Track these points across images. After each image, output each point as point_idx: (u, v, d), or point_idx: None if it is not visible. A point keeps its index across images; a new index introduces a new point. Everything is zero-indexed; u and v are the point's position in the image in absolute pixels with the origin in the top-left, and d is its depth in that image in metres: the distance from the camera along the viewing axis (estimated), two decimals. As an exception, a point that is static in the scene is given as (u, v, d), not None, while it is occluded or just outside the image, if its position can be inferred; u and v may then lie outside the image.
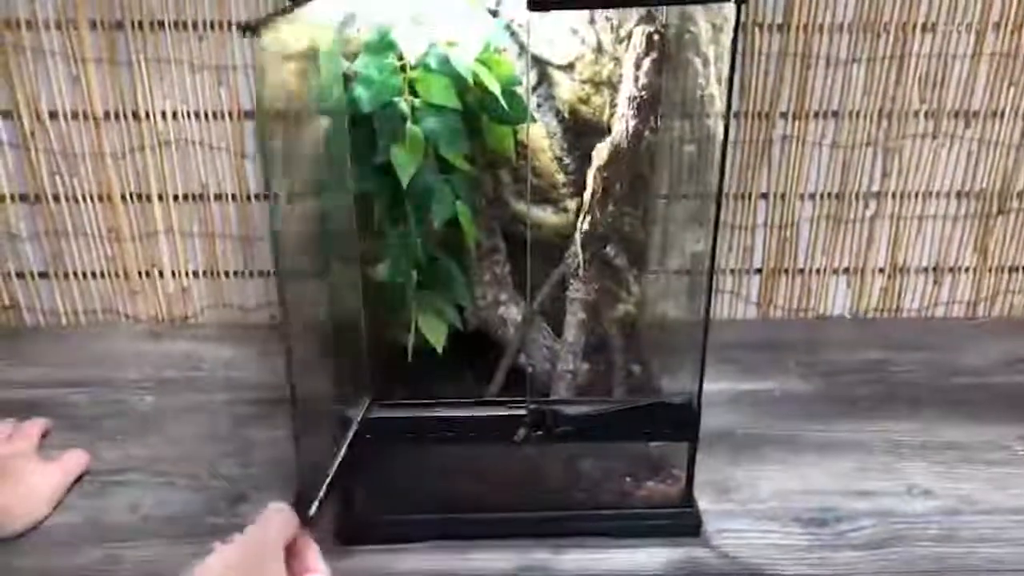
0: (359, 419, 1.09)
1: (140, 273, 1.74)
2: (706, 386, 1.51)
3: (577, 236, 1.31)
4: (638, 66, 1.23)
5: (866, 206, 1.66)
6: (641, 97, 1.24)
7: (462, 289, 1.27)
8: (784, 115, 1.60)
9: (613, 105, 1.31)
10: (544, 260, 1.41)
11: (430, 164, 1.19)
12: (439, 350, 1.28)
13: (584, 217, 1.29)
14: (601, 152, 1.26)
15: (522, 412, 1.12)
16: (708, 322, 1.13)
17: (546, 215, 1.38)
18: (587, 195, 1.28)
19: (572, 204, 1.37)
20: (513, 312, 1.37)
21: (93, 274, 1.72)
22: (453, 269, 1.25)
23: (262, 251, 1.72)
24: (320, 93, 1.06)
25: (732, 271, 1.73)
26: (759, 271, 1.73)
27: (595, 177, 1.27)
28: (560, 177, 1.36)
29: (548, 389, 1.35)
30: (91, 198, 1.66)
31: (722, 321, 1.76)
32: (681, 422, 1.14)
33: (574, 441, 1.12)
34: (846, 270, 1.71)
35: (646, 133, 1.29)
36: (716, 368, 1.57)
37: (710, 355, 1.58)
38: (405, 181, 1.15)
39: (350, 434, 1.06)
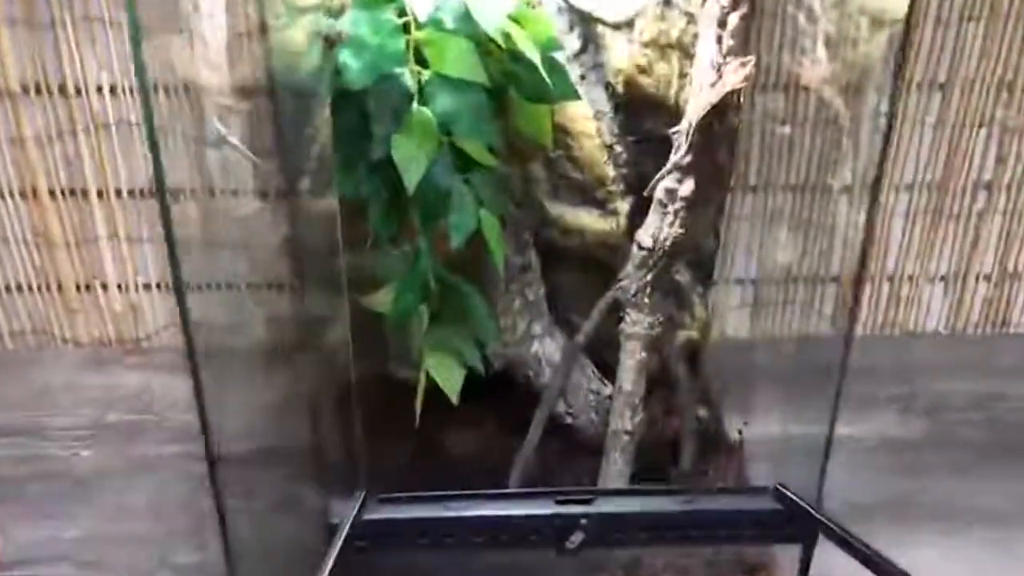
0: (350, 520, 0.78)
1: (78, 287, 1.41)
2: (773, 428, 1.22)
3: (635, 249, 0.99)
4: (722, 23, 0.91)
5: (973, 199, 1.34)
6: (724, 63, 0.91)
7: (485, 321, 0.96)
8: (879, 88, 1.28)
9: (684, 75, 0.99)
10: (589, 280, 1.10)
11: (444, 159, 0.87)
12: (454, 400, 0.97)
13: (656, 224, 0.97)
14: (682, 133, 0.94)
15: (576, 509, 0.81)
16: (845, 368, 0.82)
17: (591, 219, 1.06)
18: (659, 193, 0.96)
19: (625, 205, 1.05)
20: (550, 348, 1.06)
21: (19, 287, 1.39)
22: (473, 296, 0.93)
23: (232, 257, 1.39)
24: (288, 62, 0.74)
25: (804, 279, 1.42)
26: (836, 279, 1.42)
27: (674, 168, 0.95)
28: (609, 170, 1.04)
29: (597, 446, 1.04)
30: (11, 194, 1.33)
31: (790, 340, 1.45)
32: (789, 516, 0.83)
33: (646, 545, 0.81)
34: (943, 277, 1.39)
35: (730, 112, 0.97)
36: (784, 404, 1.27)
37: (773, 386, 1.28)
38: (412, 183, 0.83)
39: (338, 542, 0.75)
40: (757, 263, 1.39)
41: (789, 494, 0.81)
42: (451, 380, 0.98)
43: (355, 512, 0.78)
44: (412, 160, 0.83)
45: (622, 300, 1.00)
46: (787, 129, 1.27)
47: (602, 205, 1.06)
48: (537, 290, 1.04)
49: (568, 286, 1.12)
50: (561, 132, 1.02)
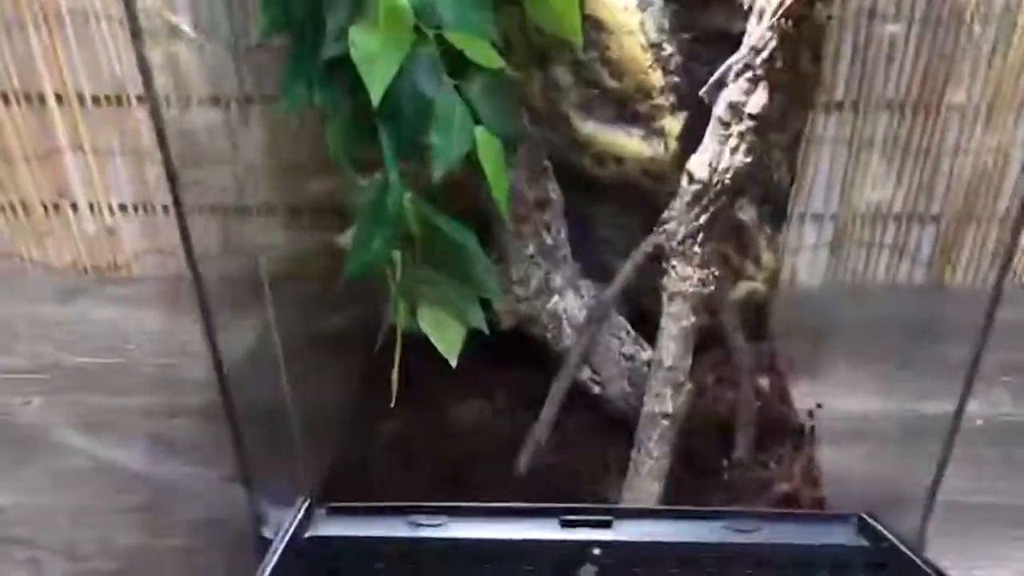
0: (285, 538, 0.59)
1: (45, 206, 1.23)
2: (856, 404, 0.99)
3: (686, 182, 0.76)
4: None
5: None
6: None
7: (483, 274, 0.74)
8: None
9: (760, -52, 0.73)
10: (625, 219, 0.88)
11: (425, 60, 0.64)
12: (452, 363, 0.77)
13: (714, 149, 0.74)
14: (756, 28, 0.70)
15: (588, 534, 0.60)
16: (988, 333, 0.61)
17: (631, 141, 0.83)
18: (719, 108, 0.73)
19: (675, 123, 0.82)
20: (573, 304, 0.84)
21: (-22, 206, 1.22)
22: (466, 242, 0.72)
23: (217, 174, 1.19)
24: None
25: (896, 217, 1.16)
26: (936, 218, 1.16)
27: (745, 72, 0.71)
28: (656, 78, 0.81)
29: (630, 424, 0.83)
30: (-43, 98, 1.14)
31: (875, 288, 1.20)
32: (878, 559, 0.61)
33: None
34: (1074, 218, 1.12)
35: (818, 4, 0.72)
36: (866, 372, 1.04)
37: (851, 349, 1.05)
38: (376, 92, 0.61)
39: (267, 567, 0.56)
40: (840, 196, 1.14)
41: (879, 528, 0.59)
42: (448, 340, 0.78)
43: (293, 526, 0.60)
44: (377, 61, 0.61)
45: (666, 248, 0.78)
46: (892, 29, 1.00)
47: (646, 123, 0.83)
48: (558, 232, 0.82)
49: (598, 227, 0.90)
50: (593, 26, 0.78)
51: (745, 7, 0.75)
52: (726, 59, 0.82)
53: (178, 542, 0.84)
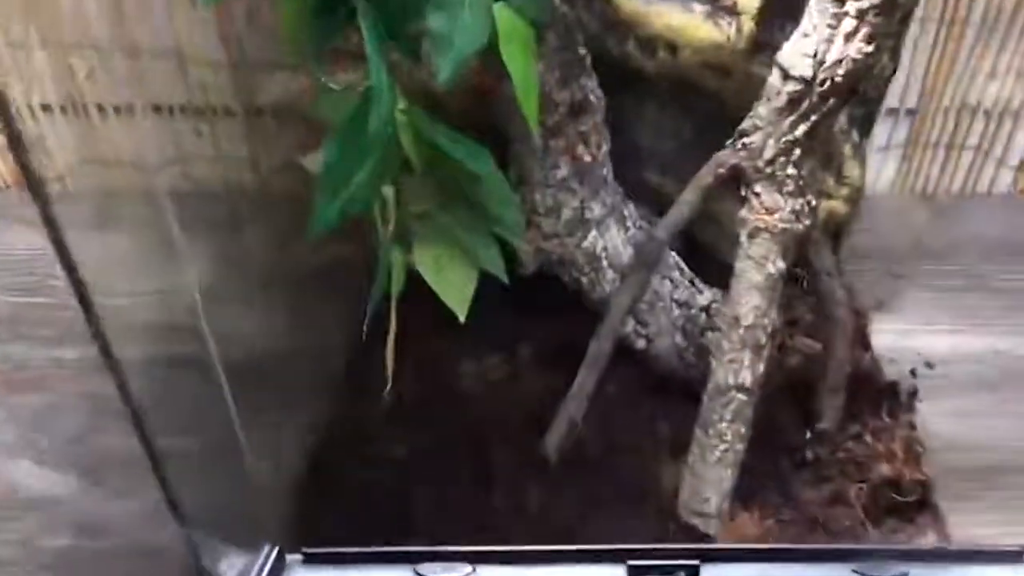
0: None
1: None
2: (933, 339, 0.82)
3: (776, 79, 0.56)
4: None
5: None
6: None
7: (506, 206, 0.55)
8: None
9: None
10: (685, 128, 0.68)
11: None
12: (461, 317, 0.58)
13: (819, 34, 0.54)
14: None
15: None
16: None
17: (692, 22, 0.63)
18: None
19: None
20: (615, 240, 0.65)
21: None
22: (485, 166, 0.52)
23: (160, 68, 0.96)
24: None
25: (986, 112, 0.96)
26: (1036, 111, 0.96)
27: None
28: None
29: (684, 387, 0.66)
30: None
31: (951, 198, 1.01)
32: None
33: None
34: None
35: None
36: (950, 303, 0.86)
37: (930, 276, 0.88)
38: None
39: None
40: (921, 87, 0.94)
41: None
42: (456, 289, 0.59)
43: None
44: None
45: (747, 169, 0.58)
46: None
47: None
48: (598, 147, 0.61)
49: (649, 138, 0.70)
50: None
51: None
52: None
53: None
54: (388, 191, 0.50)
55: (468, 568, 0.44)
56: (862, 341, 0.76)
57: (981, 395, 0.78)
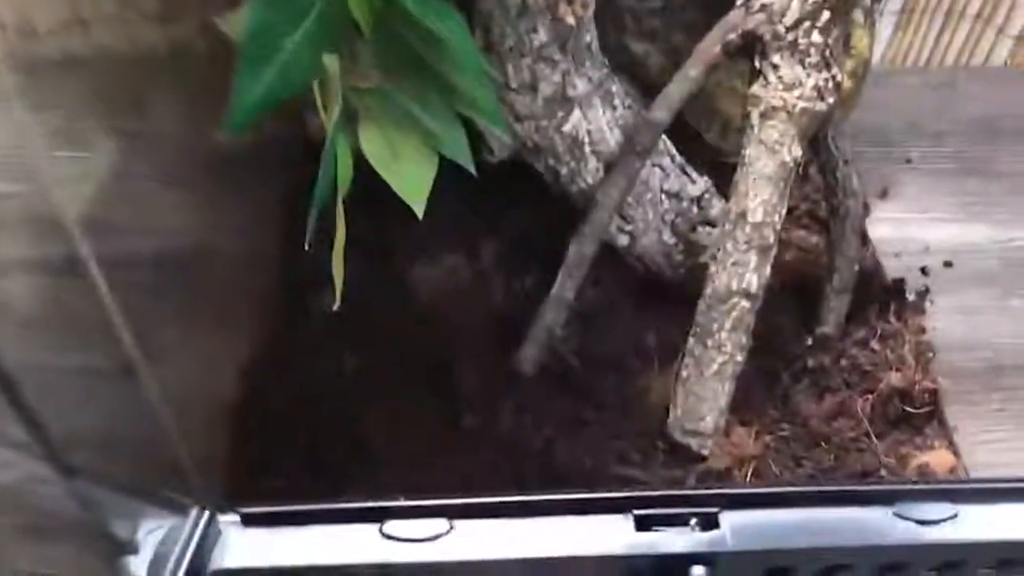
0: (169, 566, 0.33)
1: None
2: (931, 230, 0.75)
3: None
4: None
5: None
6: None
7: (478, 81, 0.45)
8: None
9: None
10: None
11: None
12: (418, 212, 0.49)
13: None
14: None
15: (687, 541, 0.36)
16: None
17: None
18: None
19: None
20: (600, 122, 0.55)
21: None
22: (453, 28, 0.41)
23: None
24: None
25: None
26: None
27: None
28: None
29: (674, 290, 0.58)
30: None
31: (945, 71, 0.93)
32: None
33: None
34: None
35: None
36: (939, 184, 0.80)
37: (925, 157, 0.81)
38: None
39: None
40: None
41: None
42: (413, 179, 0.50)
43: (189, 553, 0.34)
44: None
45: (764, 35, 0.48)
46: None
47: None
48: (583, 6, 0.51)
49: (640, 2, 0.59)
50: None
51: None
52: None
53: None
54: (330, 61, 0.39)
55: (445, 525, 0.36)
56: (864, 236, 0.69)
57: (982, 290, 0.72)
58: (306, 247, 0.41)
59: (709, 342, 0.53)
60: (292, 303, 0.59)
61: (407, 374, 0.56)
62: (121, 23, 0.84)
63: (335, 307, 0.45)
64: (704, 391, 0.54)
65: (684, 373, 0.54)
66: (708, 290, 0.53)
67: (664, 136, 0.60)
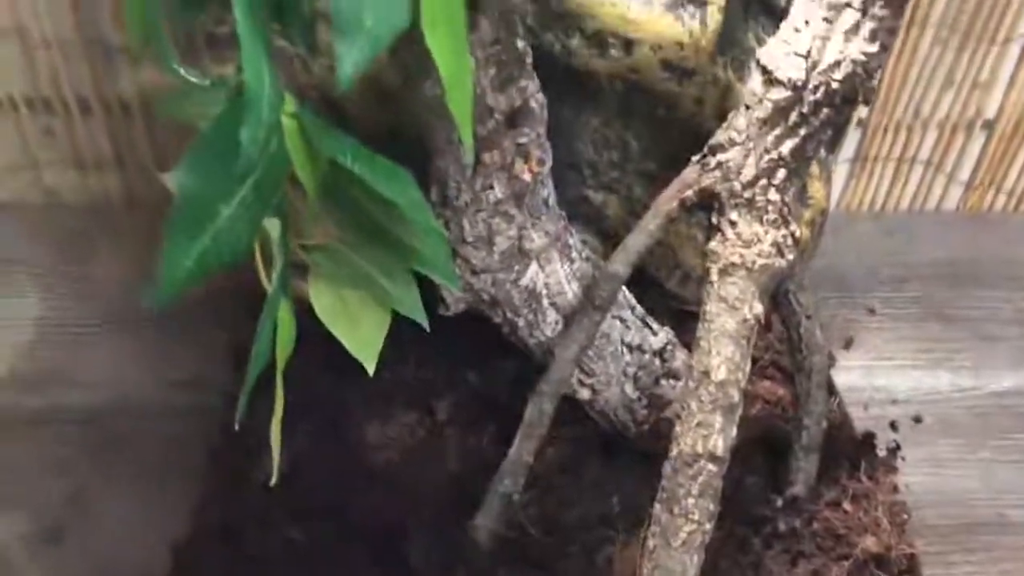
0: None
1: None
2: (896, 377, 0.74)
3: (755, 83, 0.46)
4: None
5: None
6: None
7: (432, 240, 0.43)
8: None
9: None
10: (641, 140, 0.58)
11: None
12: (370, 369, 0.46)
13: (812, 29, 0.44)
14: None
15: None
16: None
17: (648, 14, 0.53)
18: None
19: None
20: (559, 275, 0.54)
21: None
22: (406, 191, 0.40)
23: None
24: None
25: (939, 123, 0.89)
26: (989, 124, 0.89)
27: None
28: None
29: (637, 448, 0.55)
30: None
31: (901, 216, 0.94)
32: None
33: None
34: None
35: None
36: (900, 329, 0.79)
37: (882, 302, 0.81)
38: None
39: None
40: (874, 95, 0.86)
41: None
42: (364, 337, 0.48)
43: None
44: None
45: (720, 192, 0.48)
46: None
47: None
48: (540, 163, 0.50)
49: (592, 150, 0.59)
50: None
51: None
52: None
53: None
54: (272, 223, 0.37)
55: None
56: (830, 387, 0.67)
57: (951, 441, 0.70)
58: (235, 427, 0.38)
59: (676, 509, 0.50)
60: (234, 465, 0.56)
61: (356, 545, 0.52)
62: (74, 167, 0.83)
63: (272, 482, 0.42)
64: (672, 563, 0.50)
65: (651, 543, 0.51)
66: (673, 452, 0.50)
67: (624, 287, 0.58)
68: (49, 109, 0.79)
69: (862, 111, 0.87)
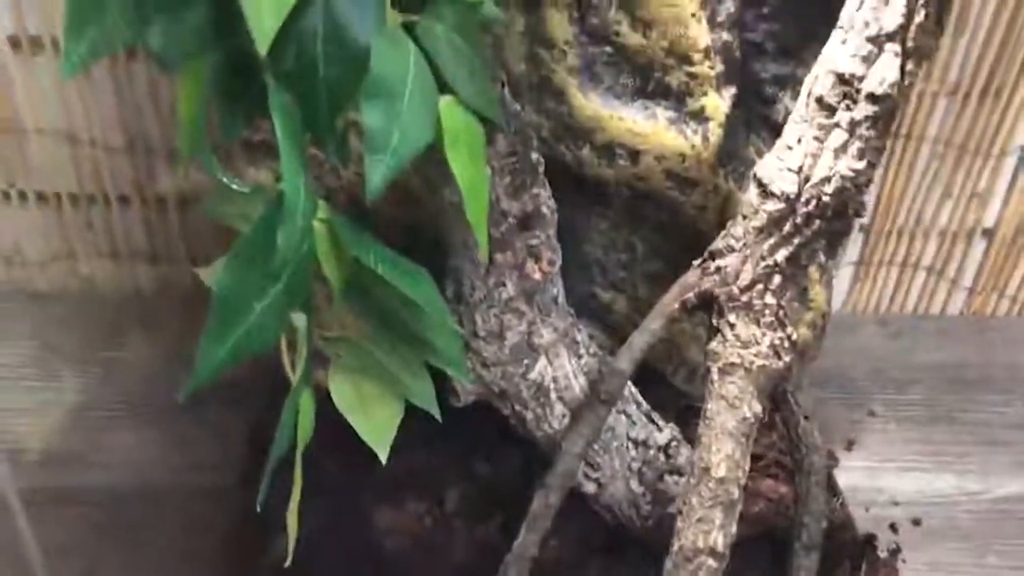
0: None
1: None
2: (900, 480, 0.75)
3: (753, 194, 0.49)
4: None
5: None
6: None
7: (446, 337, 0.46)
8: None
9: None
10: (648, 245, 0.61)
11: None
12: (383, 457, 0.48)
13: (805, 146, 0.47)
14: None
15: None
16: None
17: (654, 127, 0.56)
18: (818, 81, 0.46)
19: (721, 103, 0.56)
20: (567, 370, 0.56)
21: None
22: (424, 291, 0.43)
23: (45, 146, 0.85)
24: None
25: (941, 233, 0.92)
26: (989, 232, 0.92)
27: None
28: (700, 32, 0.54)
29: (640, 541, 0.57)
30: None
31: (905, 319, 0.96)
32: None
33: None
34: None
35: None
36: (906, 432, 0.80)
37: (885, 405, 0.82)
38: (264, 29, 0.32)
39: None
40: (875, 203, 0.90)
41: None
42: (378, 426, 0.50)
43: None
44: None
45: (719, 296, 0.51)
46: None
47: (678, 101, 0.56)
48: (550, 263, 0.53)
49: (601, 251, 0.63)
50: None
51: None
52: (798, 7, 0.56)
53: None
54: (299, 319, 0.40)
55: None
56: (830, 485, 0.69)
57: (956, 545, 0.71)
58: (257, 509, 0.40)
59: (674, 607, 0.51)
60: (247, 547, 0.57)
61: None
62: (110, 258, 0.87)
63: (287, 564, 0.44)
64: (673, 659, 0.51)
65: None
66: (675, 547, 0.52)
67: (629, 383, 0.61)
68: (91, 203, 0.84)
69: (864, 216, 0.91)
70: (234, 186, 0.40)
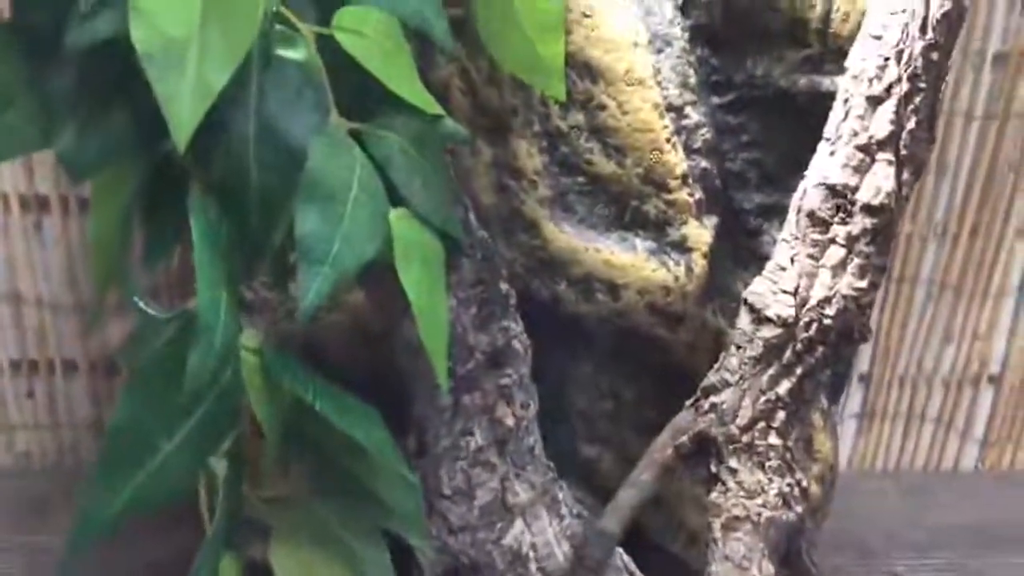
0: None
1: None
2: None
3: (747, 323, 0.44)
4: None
5: None
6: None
7: (404, 493, 0.39)
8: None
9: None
10: (631, 387, 0.56)
11: (294, 71, 0.31)
12: None
13: (800, 268, 0.43)
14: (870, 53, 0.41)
15: None
16: None
17: (633, 260, 0.52)
18: (810, 201, 0.42)
19: (703, 232, 0.52)
20: (546, 533, 0.49)
21: None
22: (376, 436, 0.37)
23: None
24: None
25: (946, 381, 0.87)
26: (994, 378, 0.87)
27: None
28: (676, 160, 0.50)
29: None
30: None
31: (916, 476, 0.89)
32: None
33: None
34: None
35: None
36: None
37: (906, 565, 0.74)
38: (182, 128, 0.27)
39: None
40: (874, 350, 0.85)
41: None
42: None
43: None
44: (183, 57, 0.28)
45: (717, 438, 0.45)
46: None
47: (658, 231, 0.52)
48: (523, 408, 0.47)
49: (583, 399, 0.57)
50: (584, 72, 0.48)
51: (819, 49, 0.47)
52: (784, 131, 0.53)
53: None
54: (218, 464, 0.34)
55: None
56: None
57: None
58: None
59: None
60: None
61: None
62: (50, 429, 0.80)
63: None
64: None
65: None
66: None
67: (622, 552, 0.53)
68: (33, 371, 0.78)
69: (863, 364, 0.86)
70: (151, 312, 0.34)
